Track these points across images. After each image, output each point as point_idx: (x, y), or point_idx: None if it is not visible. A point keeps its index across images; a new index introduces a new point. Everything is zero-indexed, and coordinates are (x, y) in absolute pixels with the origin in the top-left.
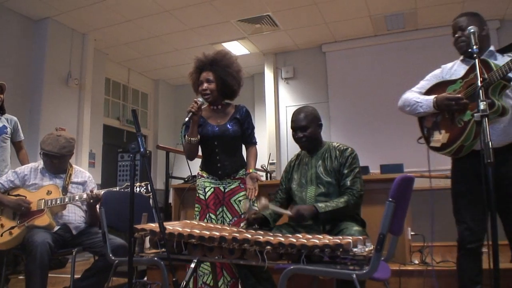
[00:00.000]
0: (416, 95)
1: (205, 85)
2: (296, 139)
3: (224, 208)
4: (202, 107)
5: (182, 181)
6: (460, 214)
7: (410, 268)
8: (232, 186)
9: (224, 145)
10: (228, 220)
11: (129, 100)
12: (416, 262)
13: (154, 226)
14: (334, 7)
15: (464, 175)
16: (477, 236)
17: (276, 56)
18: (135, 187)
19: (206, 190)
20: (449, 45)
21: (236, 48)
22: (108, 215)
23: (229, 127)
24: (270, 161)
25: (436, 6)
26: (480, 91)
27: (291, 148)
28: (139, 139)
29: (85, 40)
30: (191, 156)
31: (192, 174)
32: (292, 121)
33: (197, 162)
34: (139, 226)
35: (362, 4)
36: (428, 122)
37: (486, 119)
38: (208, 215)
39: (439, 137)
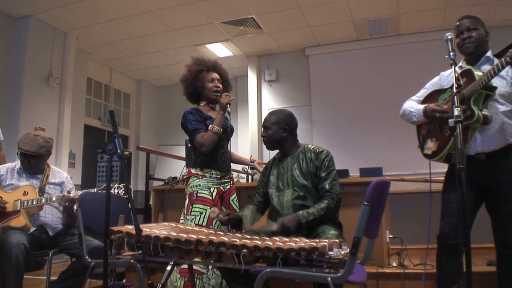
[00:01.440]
0: (413, 104)
1: (217, 82)
2: (262, 136)
3: (223, 208)
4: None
5: (163, 182)
6: (444, 209)
7: (388, 270)
8: (228, 186)
9: (227, 138)
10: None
11: (111, 100)
12: (394, 264)
13: (130, 228)
14: (318, 11)
15: (455, 178)
16: (458, 234)
17: (260, 58)
18: (113, 189)
19: (212, 190)
20: (430, 50)
21: (220, 50)
22: (85, 217)
23: (228, 123)
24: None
25: (418, 12)
26: (455, 97)
27: (273, 151)
28: (116, 140)
29: (67, 39)
30: (211, 146)
31: (173, 176)
32: (264, 120)
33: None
34: (115, 228)
35: (345, 9)
36: (423, 130)
37: (460, 124)
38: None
39: (431, 145)
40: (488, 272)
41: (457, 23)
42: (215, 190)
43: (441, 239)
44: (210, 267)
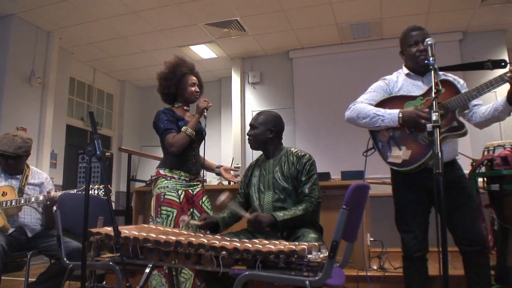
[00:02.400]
0: (373, 107)
1: (197, 87)
2: (247, 135)
3: (194, 211)
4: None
5: (144, 184)
6: (406, 223)
7: (368, 273)
8: (198, 189)
9: (198, 141)
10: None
11: (94, 101)
12: (375, 267)
13: (109, 230)
14: (301, 14)
15: (410, 186)
16: (423, 245)
17: (244, 60)
18: (93, 190)
19: (179, 192)
20: None
21: (204, 52)
22: (65, 218)
23: (201, 125)
24: (235, 165)
25: (401, 16)
26: (434, 102)
27: (256, 152)
28: (95, 141)
29: (50, 38)
30: (182, 147)
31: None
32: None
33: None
34: (94, 230)
35: (328, 12)
36: (383, 136)
37: (438, 129)
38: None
39: (399, 153)
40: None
41: (411, 33)
42: (183, 193)
43: (407, 253)
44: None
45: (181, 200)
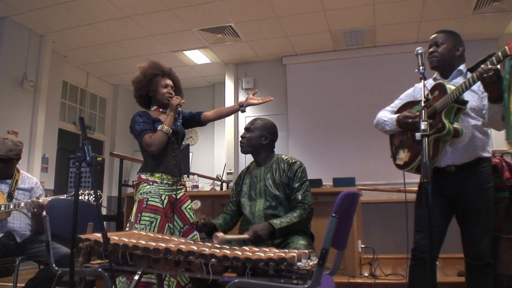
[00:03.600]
0: (386, 114)
1: (170, 89)
2: (241, 137)
3: (175, 216)
4: (152, 110)
5: None
6: (419, 223)
7: (359, 280)
8: (181, 193)
9: (177, 143)
10: (179, 227)
11: (87, 105)
12: (366, 274)
13: (99, 236)
14: (295, 21)
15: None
16: (431, 248)
17: (237, 66)
18: (84, 195)
19: (163, 197)
20: (405, 63)
21: (198, 57)
22: (54, 224)
23: (179, 126)
24: (228, 171)
25: (394, 24)
26: (423, 111)
27: (249, 158)
28: (85, 147)
29: (43, 42)
30: (159, 147)
31: None
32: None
33: None
34: (83, 236)
35: (322, 20)
36: (396, 140)
37: (426, 138)
38: (167, 225)
39: (403, 155)
40: (458, 282)
41: (432, 35)
42: (167, 198)
43: (416, 252)
44: None
45: (164, 205)
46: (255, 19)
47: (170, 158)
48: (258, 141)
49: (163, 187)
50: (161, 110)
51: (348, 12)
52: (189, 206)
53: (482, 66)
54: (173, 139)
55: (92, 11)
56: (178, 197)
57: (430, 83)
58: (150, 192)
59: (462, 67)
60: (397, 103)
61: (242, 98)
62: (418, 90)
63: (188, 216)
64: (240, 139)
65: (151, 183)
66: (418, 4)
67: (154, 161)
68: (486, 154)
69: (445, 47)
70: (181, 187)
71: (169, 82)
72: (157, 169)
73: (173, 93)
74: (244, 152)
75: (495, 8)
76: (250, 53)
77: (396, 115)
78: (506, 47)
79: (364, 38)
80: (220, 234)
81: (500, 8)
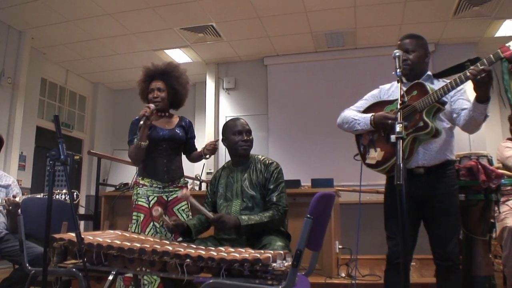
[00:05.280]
0: (354, 113)
1: (156, 93)
2: (244, 141)
3: (167, 217)
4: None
5: (114, 188)
6: (390, 230)
7: (335, 281)
8: (174, 195)
9: (172, 149)
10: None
11: (66, 102)
12: (343, 275)
13: (73, 235)
14: (277, 22)
15: (395, 192)
16: (405, 252)
17: (219, 66)
18: (60, 195)
19: (150, 199)
20: (386, 65)
21: (179, 56)
22: (29, 223)
23: (178, 132)
24: (208, 171)
25: (375, 27)
26: (399, 113)
27: (229, 158)
28: (60, 145)
29: (22, 38)
30: (138, 161)
31: (124, 182)
32: (236, 125)
33: (133, 169)
34: (57, 236)
35: (304, 21)
36: (364, 140)
37: (401, 141)
38: (152, 223)
39: (375, 154)
40: (434, 283)
41: (399, 42)
42: (155, 198)
43: (390, 259)
44: None
45: (150, 205)
46: (236, 19)
47: (160, 164)
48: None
49: (152, 190)
50: (159, 114)
51: (330, 14)
52: (182, 208)
53: (474, 67)
54: (164, 145)
55: (72, 8)
56: (169, 199)
57: (396, 86)
58: (139, 193)
59: (429, 72)
60: (363, 103)
61: (222, 98)
62: (385, 91)
63: (180, 217)
64: (242, 142)
65: (141, 186)
66: (399, 8)
67: (145, 166)
68: (452, 157)
69: (416, 55)
70: (176, 189)
71: (155, 85)
72: (147, 174)
73: (161, 95)
74: (246, 155)
75: (475, 12)
76: (232, 53)
77: (369, 115)
78: (499, 50)
79: (345, 40)
80: (185, 190)
81: (480, 13)
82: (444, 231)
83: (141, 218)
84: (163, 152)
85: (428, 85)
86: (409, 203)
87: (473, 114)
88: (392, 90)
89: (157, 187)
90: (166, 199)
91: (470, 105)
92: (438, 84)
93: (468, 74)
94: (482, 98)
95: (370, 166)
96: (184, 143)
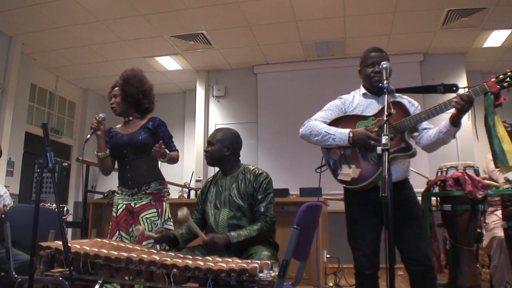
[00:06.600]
0: (325, 126)
1: (112, 99)
2: (204, 151)
3: (133, 225)
4: (103, 123)
5: (102, 195)
6: (355, 241)
7: None
8: (143, 202)
9: (134, 153)
10: (135, 237)
11: (55, 108)
12: (331, 284)
13: (60, 244)
14: (267, 31)
15: (360, 204)
16: (373, 262)
17: (209, 73)
18: (48, 203)
19: (119, 207)
20: None
21: (169, 63)
22: (16, 230)
23: (137, 135)
24: (197, 178)
25: (364, 37)
26: (385, 125)
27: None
28: (47, 153)
29: (12, 43)
30: (103, 171)
31: (113, 189)
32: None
33: None
34: (44, 244)
35: (293, 30)
36: (334, 154)
37: (387, 152)
38: (118, 232)
39: (349, 171)
40: None
41: (370, 54)
42: (124, 206)
43: (358, 271)
44: None
45: (118, 214)
46: (227, 27)
47: (124, 171)
48: (221, 153)
49: (122, 197)
50: (124, 119)
51: (320, 23)
52: (146, 216)
53: (461, 95)
54: (125, 151)
55: (63, 14)
56: (136, 206)
57: (359, 98)
58: (114, 202)
59: (392, 86)
60: (328, 114)
61: (212, 105)
62: (349, 103)
63: (143, 225)
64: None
65: (116, 194)
66: (388, 18)
67: (118, 174)
68: (409, 175)
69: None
70: (145, 196)
71: (113, 92)
72: (119, 182)
73: (116, 101)
74: (210, 164)
75: (463, 23)
76: (222, 61)
77: (346, 130)
78: (485, 84)
79: (335, 49)
80: (185, 211)
81: (468, 24)
82: (413, 237)
83: (110, 227)
84: (125, 157)
85: (406, 105)
86: (371, 214)
87: (443, 136)
88: (356, 102)
89: (127, 194)
90: (133, 205)
91: (439, 127)
92: (400, 99)
93: (453, 103)
94: (456, 122)
95: (343, 182)
96: (149, 145)
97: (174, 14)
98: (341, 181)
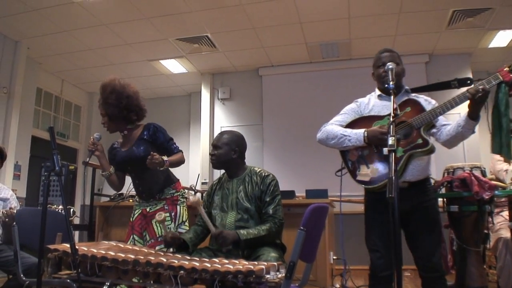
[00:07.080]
0: (341, 128)
1: (102, 119)
2: (210, 154)
3: (147, 230)
4: (99, 143)
5: (109, 198)
6: (373, 242)
7: None
8: (157, 208)
9: (137, 168)
10: (147, 241)
11: (61, 112)
12: (337, 286)
13: (67, 246)
14: (272, 33)
15: (380, 206)
16: (389, 264)
17: (214, 76)
18: (55, 205)
19: (135, 212)
20: None
21: (174, 66)
22: (23, 233)
23: (135, 149)
24: (203, 181)
25: (369, 38)
26: (391, 126)
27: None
28: (54, 157)
29: (18, 48)
30: (113, 188)
31: (119, 192)
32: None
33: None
34: (52, 246)
35: (298, 32)
36: (352, 156)
37: (393, 153)
38: (132, 236)
39: (367, 171)
40: None
41: (380, 54)
42: (139, 211)
43: (373, 272)
44: None
45: (133, 218)
46: (231, 29)
47: (135, 185)
48: (228, 156)
49: (138, 203)
50: (122, 134)
51: (324, 25)
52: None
53: (473, 87)
54: (129, 167)
55: (68, 18)
56: (150, 210)
57: (374, 100)
58: (133, 208)
59: (407, 87)
60: (344, 117)
61: (217, 108)
62: (365, 106)
63: (155, 229)
64: (209, 156)
65: (136, 202)
66: (393, 19)
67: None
68: (431, 173)
69: (401, 67)
70: (160, 201)
71: (100, 112)
72: (135, 191)
73: (105, 122)
74: (216, 168)
75: (469, 23)
76: (227, 63)
77: (361, 130)
78: (498, 73)
79: (340, 50)
80: (198, 197)
81: (474, 24)
82: (429, 243)
83: (126, 231)
84: (131, 173)
85: (421, 102)
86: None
87: (462, 130)
88: (372, 104)
89: (144, 200)
90: (148, 210)
91: (457, 121)
92: (415, 98)
93: (467, 94)
94: (474, 115)
95: (362, 182)
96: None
97: (178, 17)
98: (360, 182)
